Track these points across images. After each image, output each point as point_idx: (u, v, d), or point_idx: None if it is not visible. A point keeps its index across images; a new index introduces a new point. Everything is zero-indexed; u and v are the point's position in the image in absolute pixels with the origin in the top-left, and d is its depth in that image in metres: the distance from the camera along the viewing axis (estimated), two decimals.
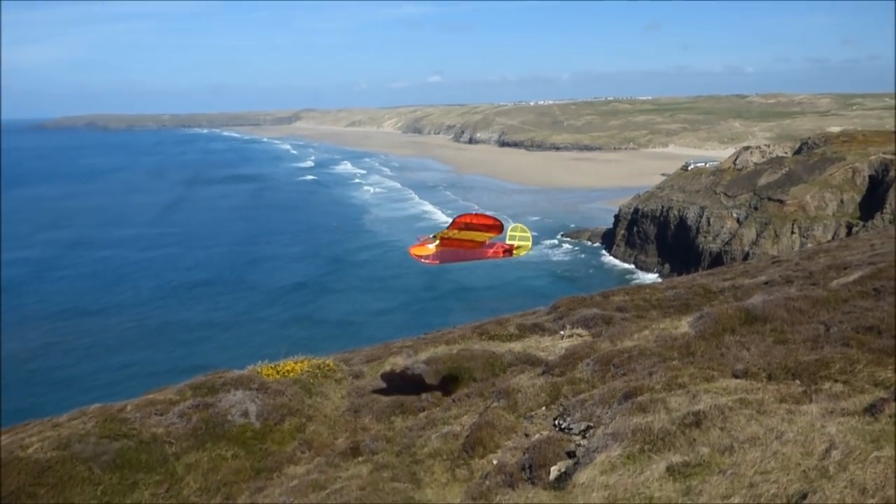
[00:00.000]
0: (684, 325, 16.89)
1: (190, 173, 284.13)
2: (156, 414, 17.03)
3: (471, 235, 17.83)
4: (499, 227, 17.29)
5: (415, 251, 19.13)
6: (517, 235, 19.28)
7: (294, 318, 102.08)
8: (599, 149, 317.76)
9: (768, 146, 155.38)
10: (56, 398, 70.18)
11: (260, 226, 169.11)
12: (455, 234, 17.71)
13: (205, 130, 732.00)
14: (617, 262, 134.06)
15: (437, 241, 18.57)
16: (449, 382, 19.19)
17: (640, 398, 11.61)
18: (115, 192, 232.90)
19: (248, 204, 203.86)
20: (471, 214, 16.98)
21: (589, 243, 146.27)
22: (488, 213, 19.09)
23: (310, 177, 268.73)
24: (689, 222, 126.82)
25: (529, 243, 19.33)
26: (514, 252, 19.10)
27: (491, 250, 18.88)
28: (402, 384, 19.67)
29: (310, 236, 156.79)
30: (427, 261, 19.18)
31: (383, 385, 20.34)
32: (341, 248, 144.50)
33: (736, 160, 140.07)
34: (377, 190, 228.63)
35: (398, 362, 22.04)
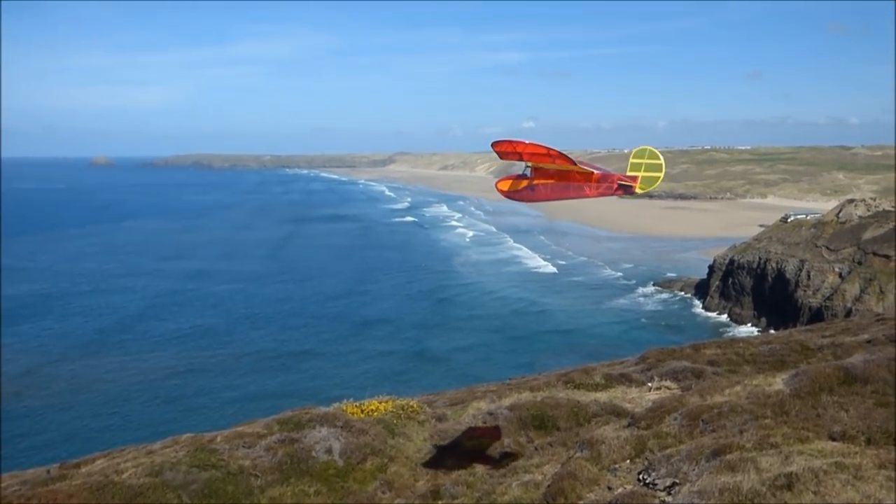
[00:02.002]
0: (779, 383, 16.29)
1: (295, 212, 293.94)
2: (244, 446, 17.38)
3: (575, 168, 14.87)
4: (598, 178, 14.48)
5: (502, 185, 16.83)
6: (643, 163, 14.77)
7: (407, 353, 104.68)
8: (695, 198, 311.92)
9: (874, 199, 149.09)
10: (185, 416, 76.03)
11: (365, 264, 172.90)
12: (552, 165, 14.86)
13: (304, 171, 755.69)
14: (710, 313, 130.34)
15: (531, 171, 15.70)
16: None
17: (729, 456, 11.25)
18: (228, 228, 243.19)
19: (352, 243, 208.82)
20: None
21: (682, 293, 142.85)
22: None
23: (409, 218, 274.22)
24: (787, 275, 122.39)
25: (661, 174, 14.73)
26: (638, 187, 14.88)
27: (602, 186, 15.30)
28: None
29: (413, 275, 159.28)
30: (517, 196, 16.81)
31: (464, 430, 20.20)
32: (444, 289, 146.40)
33: (839, 213, 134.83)
34: (473, 233, 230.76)
35: (481, 407, 21.83)
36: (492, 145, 14.54)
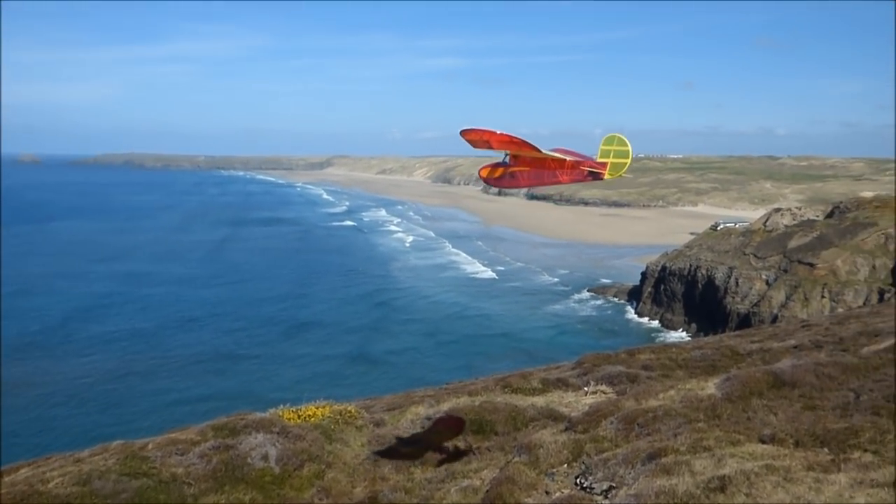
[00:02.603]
0: (711, 387, 16.68)
1: (232, 214, 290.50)
2: (177, 453, 17.00)
3: (544, 155, 15.18)
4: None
5: (483, 172, 17.23)
6: (612, 150, 15.00)
7: (345, 357, 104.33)
8: (628, 205, 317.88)
9: (800, 209, 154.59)
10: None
11: (303, 268, 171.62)
12: (530, 152, 15.12)
13: (240, 173, 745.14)
14: (643, 319, 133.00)
15: (510, 158, 16.08)
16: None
17: (664, 459, 11.46)
18: (163, 230, 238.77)
19: (291, 247, 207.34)
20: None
21: (616, 299, 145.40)
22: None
23: (347, 222, 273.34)
24: (717, 282, 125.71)
25: (628, 160, 14.90)
26: (607, 174, 15.05)
27: (575, 172, 15.48)
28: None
29: (351, 279, 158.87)
30: (497, 183, 17.28)
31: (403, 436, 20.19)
32: (383, 293, 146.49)
33: (766, 221, 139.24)
34: (413, 237, 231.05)
35: (420, 412, 21.77)
36: (461, 133, 14.56)
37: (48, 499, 13.91)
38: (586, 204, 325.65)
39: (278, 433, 18.12)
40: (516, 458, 15.19)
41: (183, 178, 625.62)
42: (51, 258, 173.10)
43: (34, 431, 74.24)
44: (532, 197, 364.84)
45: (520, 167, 16.29)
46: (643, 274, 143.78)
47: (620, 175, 15.08)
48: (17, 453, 39.73)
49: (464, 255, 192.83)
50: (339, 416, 20.40)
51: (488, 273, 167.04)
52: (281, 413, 20.21)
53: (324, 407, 21.00)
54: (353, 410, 21.17)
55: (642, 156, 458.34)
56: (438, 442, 18.56)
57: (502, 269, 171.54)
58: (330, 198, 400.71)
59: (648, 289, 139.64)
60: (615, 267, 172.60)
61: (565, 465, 14.24)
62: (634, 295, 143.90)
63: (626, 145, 14.87)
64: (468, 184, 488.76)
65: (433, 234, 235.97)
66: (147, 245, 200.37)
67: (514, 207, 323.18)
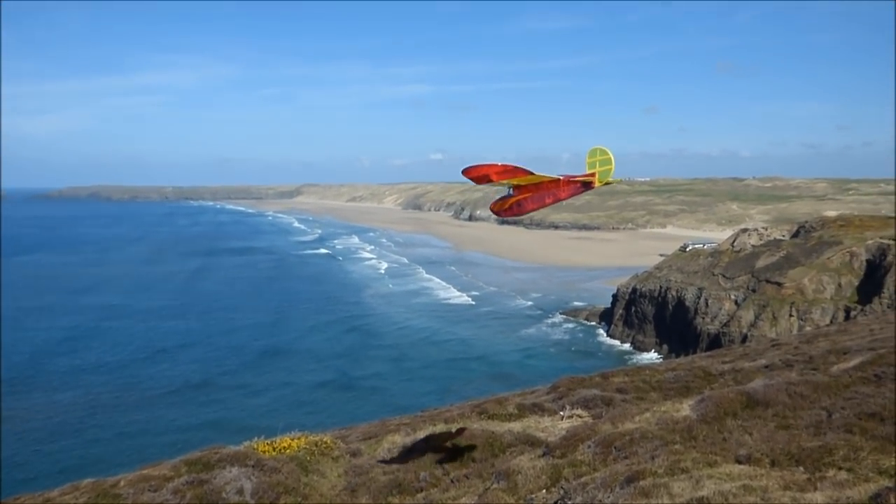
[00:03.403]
0: (686, 408, 16.80)
1: (204, 245, 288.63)
2: (149, 490, 16.66)
3: (540, 178, 16.61)
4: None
5: (494, 206, 18.37)
6: (597, 160, 16.59)
7: (318, 384, 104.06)
8: (598, 228, 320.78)
9: (766, 229, 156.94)
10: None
11: (277, 296, 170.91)
12: (525, 179, 16.50)
13: (209, 203, 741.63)
14: (615, 341, 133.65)
15: (513, 189, 17.38)
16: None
17: (642, 482, 11.49)
18: (133, 262, 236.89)
19: (264, 276, 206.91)
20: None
21: (587, 322, 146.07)
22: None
23: (321, 250, 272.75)
24: (687, 303, 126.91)
25: (612, 165, 16.51)
26: (597, 181, 16.62)
27: (571, 187, 16.97)
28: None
29: (325, 307, 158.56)
30: (508, 214, 18.19)
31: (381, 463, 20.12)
32: (357, 319, 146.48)
33: (734, 242, 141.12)
34: (387, 264, 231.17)
35: (396, 440, 21.63)
36: (462, 172, 15.68)
37: None
38: (556, 227, 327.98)
39: (253, 466, 17.84)
40: (495, 485, 15.09)
41: (151, 209, 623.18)
42: (18, 292, 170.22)
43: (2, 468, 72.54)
44: (503, 222, 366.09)
45: (523, 194, 17.42)
46: (614, 296, 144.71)
47: (608, 182, 16.69)
48: None
49: (437, 280, 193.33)
50: (314, 448, 20.17)
51: (462, 298, 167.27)
52: (255, 445, 19.95)
53: (299, 438, 20.78)
54: (328, 441, 20.93)
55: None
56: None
57: (475, 293, 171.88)
58: (301, 226, 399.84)
59: (620, 311, 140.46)
60: (587, 289, 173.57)
61: (544, 491, 14.15)
62: (606, 317, 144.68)
63: (608, 154, 16.50)
64: (438, 209, 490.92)
65: (406, 261, 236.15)
66: (117, 278, 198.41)
67: (486, 232, 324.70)
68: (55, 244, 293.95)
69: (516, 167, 15.83)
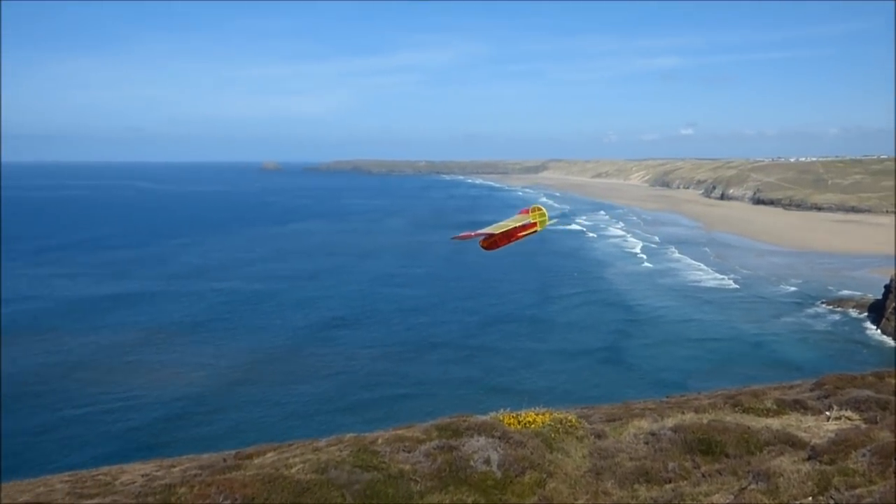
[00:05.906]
0: None
1: (464, 218, 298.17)
2: (403, 450, 17.40)
3: (514, 224, 26.22)
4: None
5: (485, 244, 27.44)
6: (536, 214, 26.78)
7: (590, 357, 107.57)
8: (869, 211, 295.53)
9: None
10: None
11: (544, 272, 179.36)
12: (503, 227, 26.30)
13: (460, 177, 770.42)
14: (886, 337, 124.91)
15: (492, 237, 26.66)
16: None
17: None
18: (400, 233, 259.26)
19: (524, 250, 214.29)
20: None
21: (854, 313, 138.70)
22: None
23: (574, 226, 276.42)
24: None
25: (546, 218, 26.89)
26: (538, 226, 26.60)
27: (527, 229, 26.47)
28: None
29: (586, 283, 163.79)
30: (491, 247, 27.34)
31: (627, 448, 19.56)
32: (617, 295, 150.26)
33: None
34: (640, 243, 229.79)
35: (643, 426, 20.88)
36: (452, 238, 27.79)
37: (291, 483, 14.84)
38: (819, 209, 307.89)
39: (499, 438, 17.96)
40: (752, 486, 14.46)
41: (407, 182, 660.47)
42: (302, 256, 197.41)
43: (280, 416, 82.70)
44: (758, 201, 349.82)
45: (502, 237, 26.86)
46: (886, 286, 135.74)
47: (546, 224, 26.99)
48: (266, 436, 47.12)
49: (689, 260, 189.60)
50: (559, 425, 20.01)
51: (716, 281, 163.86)
52: (501, 417, 20.19)
53: (543, 414, 20.76)
54: (573, 420, 20.74)
55: (885, 157, 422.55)
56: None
57: (732, 276, 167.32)
58: (550, 201, 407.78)
59: (893, 304, 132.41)
60: (853, 278, 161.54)
61: (810, 499, 13.31)
62: (876, 310, 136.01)
63: (545, 214, 26.96)
64: (688, 187, 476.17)
65: (657, 239, 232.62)
66: (389, 247, 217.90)
67: (738, 212, 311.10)
68: (328, 214, 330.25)
69: (509, 228, 26.38)
